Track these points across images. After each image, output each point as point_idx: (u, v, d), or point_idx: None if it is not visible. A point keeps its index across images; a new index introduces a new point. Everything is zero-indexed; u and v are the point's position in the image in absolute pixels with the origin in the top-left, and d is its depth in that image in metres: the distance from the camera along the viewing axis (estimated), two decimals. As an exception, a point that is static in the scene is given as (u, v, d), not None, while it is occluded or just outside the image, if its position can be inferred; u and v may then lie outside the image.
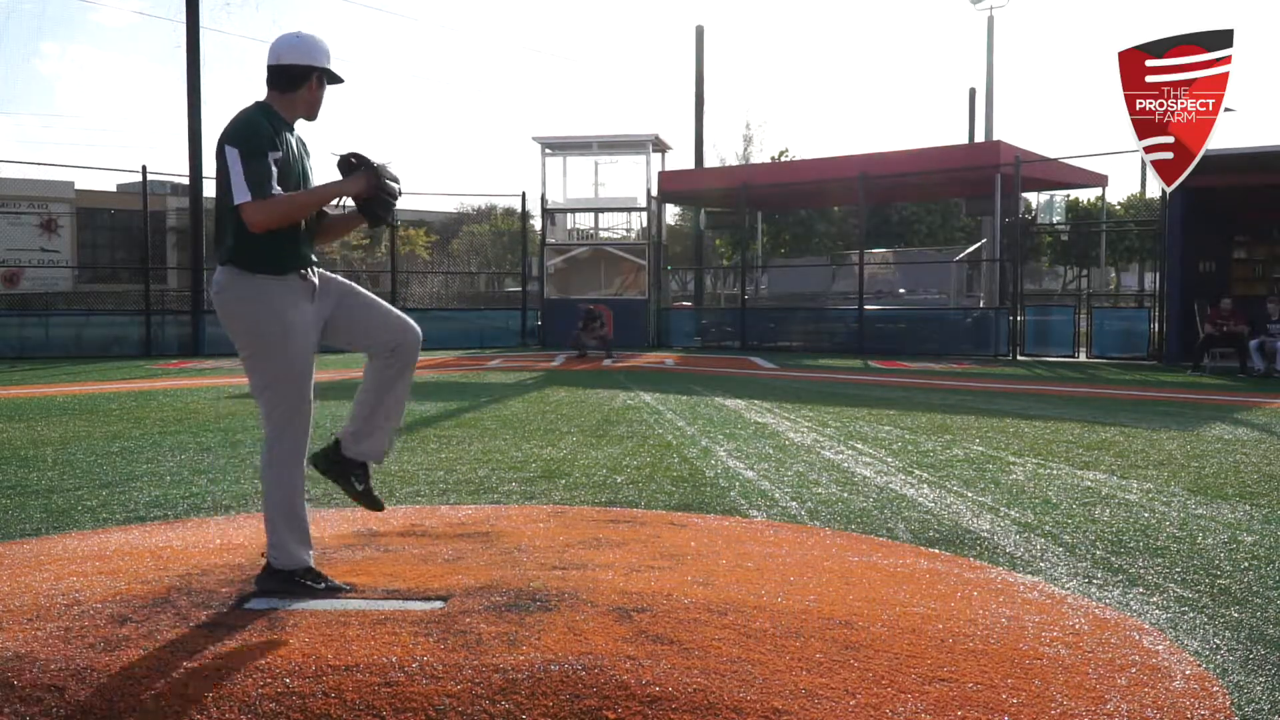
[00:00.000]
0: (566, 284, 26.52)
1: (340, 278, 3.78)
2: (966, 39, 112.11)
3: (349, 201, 3.66)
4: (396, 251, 25.48)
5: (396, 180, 3.64)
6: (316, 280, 3.65)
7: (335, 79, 3.68)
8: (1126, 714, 2.81)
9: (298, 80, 3.56)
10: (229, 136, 3.44)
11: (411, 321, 3.78)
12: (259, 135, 3.43)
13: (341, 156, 3.61)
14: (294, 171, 3.56)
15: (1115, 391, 13.07)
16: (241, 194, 3.36)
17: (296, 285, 3.57)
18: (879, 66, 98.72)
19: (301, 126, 3.74)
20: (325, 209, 3.71)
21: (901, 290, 25.86)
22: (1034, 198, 33.83)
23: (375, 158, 3.62)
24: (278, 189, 3.41)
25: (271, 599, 3.50)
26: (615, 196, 26.56)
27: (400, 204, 3.75)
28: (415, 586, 3.65)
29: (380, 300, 3.81)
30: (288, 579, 3.58)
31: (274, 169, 3.41)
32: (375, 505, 3.88)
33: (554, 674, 2.84)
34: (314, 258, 3.67)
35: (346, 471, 3.78)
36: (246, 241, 3.45)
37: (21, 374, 15.90)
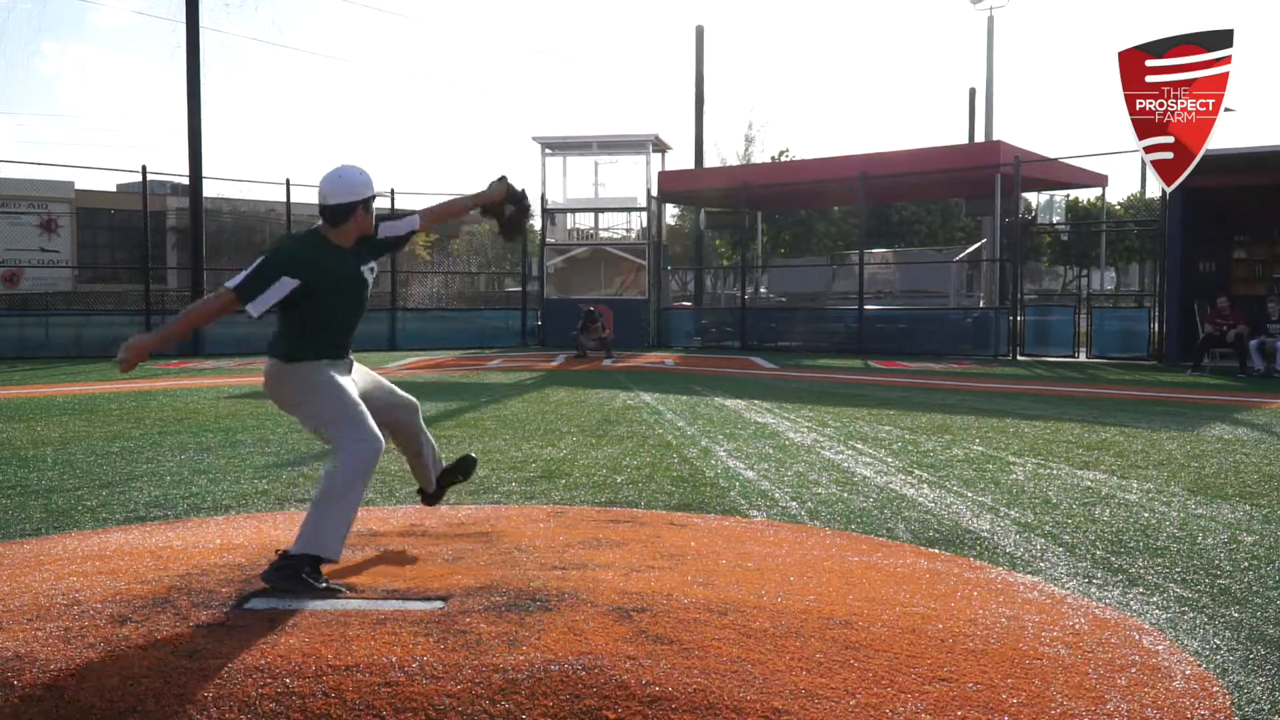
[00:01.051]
0: (566, 284, 26.52)
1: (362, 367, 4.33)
2: (966, 39, 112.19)
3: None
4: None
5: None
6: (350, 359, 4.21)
7: (377, 195, 4.18)
8: (1126, 714, 2.81)
9: (345, 214, 3.98)
10: (274, 243, 4.13)
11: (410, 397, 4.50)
12: (287, 258, 3.90)
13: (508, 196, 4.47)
14: (343, 293, 4.00)
15: (1115, 391, 13.07)
16: (234, 281, 3.84)
17: (331, 362, 4.05)
18: (879, 66, 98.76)
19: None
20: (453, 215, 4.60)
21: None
22: (1034, 198, 33.80)
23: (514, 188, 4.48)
24: (252, 307, 3.80)
25: (271, 599, 3.50)
26: (615, 196, 26.55)
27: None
28: (415, 586, 3.66)
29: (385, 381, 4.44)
30: (294, 574, 3.63)
31: (272, 290, 3.81)
32: (464, 469, 4.82)
33: (554, 674, 2.84)
34: (349, 350, 4.19)
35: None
36: (286, 339, 3.94)
37: (21, 374, 15.90)
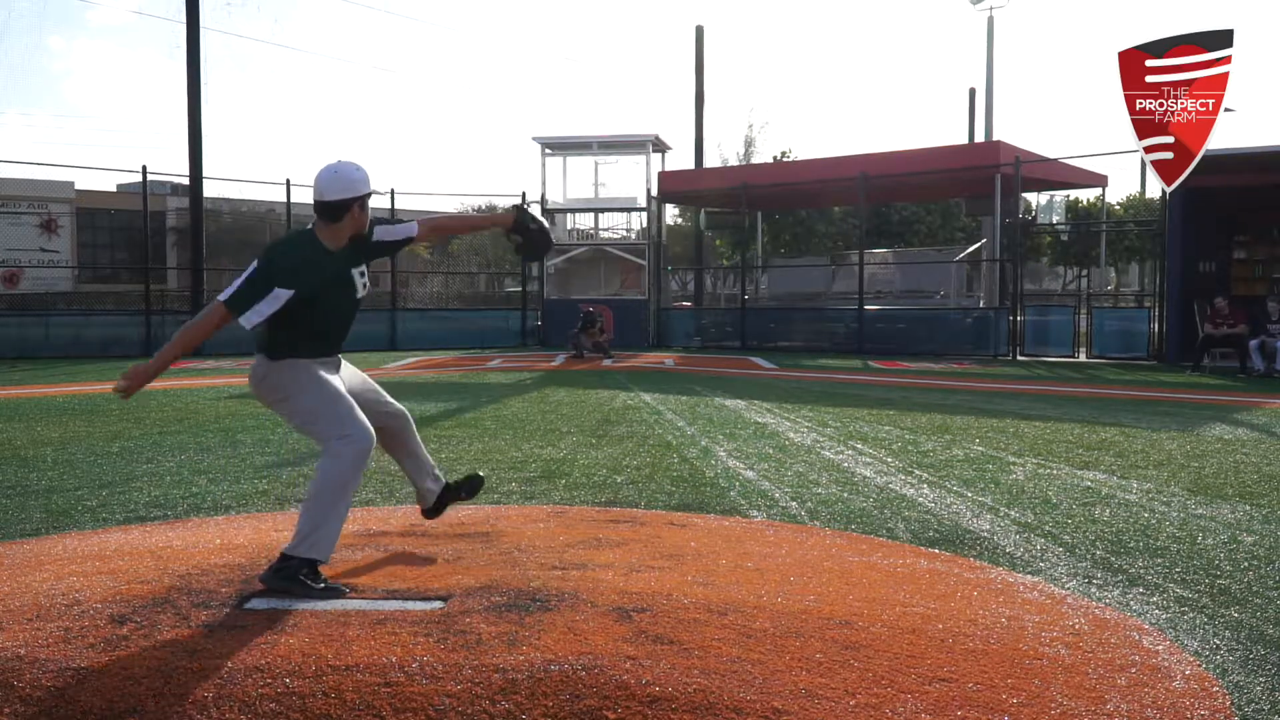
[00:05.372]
0: (566, 284, 26.52)
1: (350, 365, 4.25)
2: (966, 39, 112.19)
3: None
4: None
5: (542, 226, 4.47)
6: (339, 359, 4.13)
7: (374, 193, 4.05)
8: (1126, 714, 2.81)
9: (341, 211, 3.89)
10: (264, 252, 3.88)
11: (399, 406, 4.45)
12: (278, 269, 3.78)
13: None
14: (331, 295, 3.92)
15: (1115, 391, 13.07)
16: (225, 294, 3.78)
17: (319, 360, 3.99)
18: (879, 67, 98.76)
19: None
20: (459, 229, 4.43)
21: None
22: (1034, 198, 33.80)
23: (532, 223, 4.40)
24: (244, 320, 3.73)
25: (271, 599, 3.50)
26: (615, 196, 26.54)
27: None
28: (415, 586, 3.66)
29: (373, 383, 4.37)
30: (291, 575, 3.61)
31: (265, 302, 3.73)
32: (470, 488, 4.80)
33: (554, 674, 2.84)
34: (339, 350, 4.11)
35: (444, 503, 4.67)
36: (277, 336, 3.86)
37: (21, 374, 15.89)
